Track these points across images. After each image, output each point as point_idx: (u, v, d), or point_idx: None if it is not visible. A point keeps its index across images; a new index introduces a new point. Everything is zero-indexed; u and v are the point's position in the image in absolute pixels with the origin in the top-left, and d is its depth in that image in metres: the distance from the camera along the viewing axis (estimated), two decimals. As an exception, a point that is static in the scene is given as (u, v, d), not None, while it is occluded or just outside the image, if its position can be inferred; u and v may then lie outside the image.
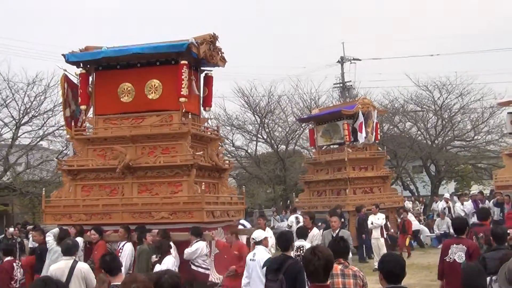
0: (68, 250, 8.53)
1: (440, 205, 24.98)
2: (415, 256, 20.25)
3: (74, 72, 13.31)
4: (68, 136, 13.59)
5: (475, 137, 35.95)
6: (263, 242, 9.29)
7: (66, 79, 13.26)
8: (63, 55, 12.75)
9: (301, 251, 10.92)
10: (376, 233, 18.32)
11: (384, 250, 17.31)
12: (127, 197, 12.25)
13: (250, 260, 9.06)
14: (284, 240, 8.15)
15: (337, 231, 12.55)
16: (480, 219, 11.41)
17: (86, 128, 13.27)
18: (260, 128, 34.12)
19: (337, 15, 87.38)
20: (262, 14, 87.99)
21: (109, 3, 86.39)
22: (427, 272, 16.21)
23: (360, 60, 41.83)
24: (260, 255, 8.86)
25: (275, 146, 34.21)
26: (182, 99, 12.14)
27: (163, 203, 11.90)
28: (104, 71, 13.00)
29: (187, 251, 10.96)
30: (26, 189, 25.33)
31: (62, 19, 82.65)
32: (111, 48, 12.82)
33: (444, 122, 35.00)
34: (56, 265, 8.50)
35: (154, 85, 12.51)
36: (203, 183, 11.79)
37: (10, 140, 26.97)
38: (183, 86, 12.02)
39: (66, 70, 13.31)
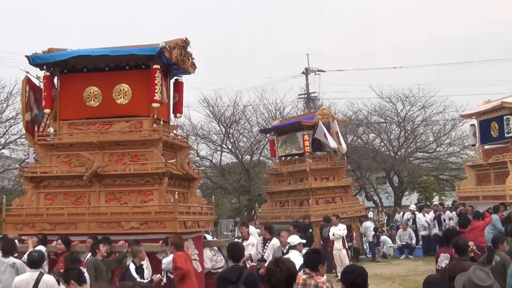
0: (34, 263, 8.40)
1: (405, 216, 25.23)
2: (378, 266, 20.40)
3: (36, 75, 12.96)
4: (28, 142, 13.20)
5: (437, 149, 36.45)
6: (297, 247, 9.42)
7: (28, 81, 12.81)
8: (26, 56, 12.24)
9: None
10: (338, 244, 18.20)
11: (346, 261, 17.35)
12: (95, 206, 11.85)
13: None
14: (236, 251, 8.09)
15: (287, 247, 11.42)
16: (461, 226, 12.11)
17: (49, 133, 12.66)
18: (225, 138, 34.11)
19: (302, 26, 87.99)
20: (228, 24, 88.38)
21: (74, 8, 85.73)
22: (390, 282, 16.37)
23: (324, 71, 42.24)
24: (295, 260, 8.94)
25: (240, 156, 34.24)
26: (155, 105, 11.91)
27: (133, 213, 11.54)
28: (69, 74, 12.54)
29: (165, 260, 10.69)
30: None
31: (26, 25, 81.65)
32: (76, 50, 12.40)
33: (407, 134, 35.42)
34: (21, 277, 8.42)
35: (123, 89, 12.17)
36: (176, 192, 11.61)
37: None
38: (156, 91, 11.82)
39: (28, 72, 12.89)
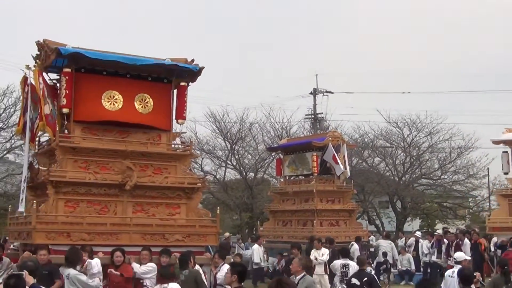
0: (31, 273, 7.51)
1: (409, 241, 25.11)
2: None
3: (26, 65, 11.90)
4: (49, 134, 11.93)
5: (442, 176, 36.41)
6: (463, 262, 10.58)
7: (40, 73, 11.75)
8: (56, 48, 11.27)
9: (347, 268, 13.17)
10: (319, 270, 16.79)
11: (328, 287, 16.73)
12: (137, 217, 11.70)
13: (449, 276, 10.13)
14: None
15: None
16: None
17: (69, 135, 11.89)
18: (230, 154, 34.10)
19: (312, 47, 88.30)
20: (237, 42, 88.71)
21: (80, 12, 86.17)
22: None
23: (332, 93, 42.22)
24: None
25: (244, 173, 34.17)
26: (180, 121, 12.28)
27: (178, 225, 11.76)
28: (86, 74, 11.91)
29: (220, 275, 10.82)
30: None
31: (34, 31, 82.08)
32: (105, 53, 11.92)
33: (412, 159, 35.37)
34: None
35: (145, 99, 12.11)
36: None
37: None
38: (185, 108, 12.16)
39: (34, 67, 11.84)
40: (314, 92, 42.18)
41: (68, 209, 11.35)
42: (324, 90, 42.07)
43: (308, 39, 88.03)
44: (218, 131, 34.26)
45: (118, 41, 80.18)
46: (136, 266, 10.76)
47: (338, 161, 21.43)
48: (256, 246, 21.02)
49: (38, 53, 11.98)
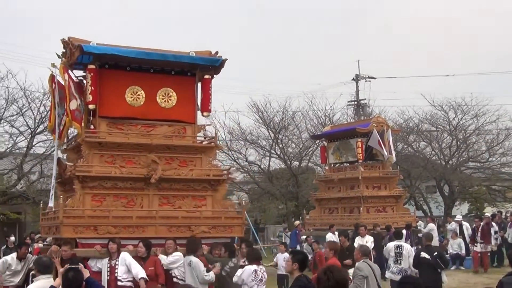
0: (46, 267, 7.62)
1: (451, 225, 24.82)
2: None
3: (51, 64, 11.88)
4: (76, 129, 11.89)
5: (490, 159, 35.74)
6: None
7: (65, 70, 11.75)
8: (79, 45, 11.33)
9: (400, 249, 13.57)
10: None
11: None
12: (162, 210, 11.65)
13: None
14: None
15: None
16: None
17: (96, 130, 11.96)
18: (274, 143, 34.12)
19: (352, 32, 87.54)
20: (278, 31, 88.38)
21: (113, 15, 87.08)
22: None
23: (375, 78, 41.75)
24: None
25: (288, 162, 34.16)
26: (206, 114, 12.21)
27: (203, 217, 11.70)
28: (110, 70, 11.93)
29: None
30: (39, 198, 25.44)
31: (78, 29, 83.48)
32: (131, 50, 11.89)
33: (458, 142, 34.84)
34: (36, 285, 7.49)
35: (168, 93, 12.10)
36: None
37: (25, 148, 27.07)
38: (210, 101, 12.03)
39: (54, 64, 11.84)
40: (356, 78, 41.81)
41: (95, 203, 11.41)
42: (367, 76, 41.70)
43: (347, 26, 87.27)
44: (261, 121, 34.33)
45: (153, 34, 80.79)
46: (163, 258, 10.76)
47: (383, 145, 21.30)
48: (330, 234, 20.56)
49: (64, 51, 12.06)
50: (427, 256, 12.35)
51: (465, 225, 23.73)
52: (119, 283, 10.28)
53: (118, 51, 11.66)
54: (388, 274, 14.15)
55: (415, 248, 17.19)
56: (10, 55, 40.93)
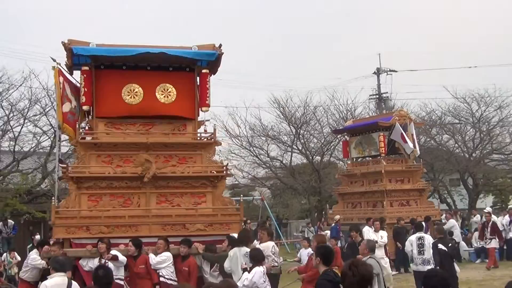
0: (63, 265, 7.62)
1: (474, 218, 24.65)
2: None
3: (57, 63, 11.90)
4: (66, 134, 11.95)
5: (514, 151, 35.32)
6: None
7: (60, 73, 11.83)
8: (70, 48, 11.36)
9: (422, 240, 13.92)
10: (380, 252, 16.02)
11: (388, 271, 16.23)
12: (159, 208, 11.60)
13: None
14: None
15: None
16: None
17: (90, 131, 12.03)
18: (295, 139, 34.04)
19: (373, 26, 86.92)
20: (298, 26, 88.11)
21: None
22: (466, 287, 15.84)
23: (396, 71, 41.50)
24: None
25: (310, 157, 34.09)
26: (205, 109, 11.99)
27: (199, 215, 11.49)
28: (106, 70, 11.96)
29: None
30: (63, 197, 25.65)
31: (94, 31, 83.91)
32: (126, 48, 11.83)
33: (482, 135, 34.46)
34: (53, 281, 7.47)
35: (167, 89, 11.97)
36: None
37: (49, 148, 27.32)
38: (208, 95, 11.82)
39: (60, 64, 11.98)
40: (378, 72, 41.59)
41: (91, 203, 11.47)
42: (388, 69, 41.45)
43: (369, 19, 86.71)
44: (282, 116, 34.26)
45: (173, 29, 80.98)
46: (151, 257, 10.71)
47: (407, 139, 21.18)
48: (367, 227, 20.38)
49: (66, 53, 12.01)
50: (443, 247, 12.82)
51: (493, 218, 23.45)
52: None
53: (108, 51, 11.66)
54: (413, 267, 14.30)
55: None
56: (33, 56, 41.37)
